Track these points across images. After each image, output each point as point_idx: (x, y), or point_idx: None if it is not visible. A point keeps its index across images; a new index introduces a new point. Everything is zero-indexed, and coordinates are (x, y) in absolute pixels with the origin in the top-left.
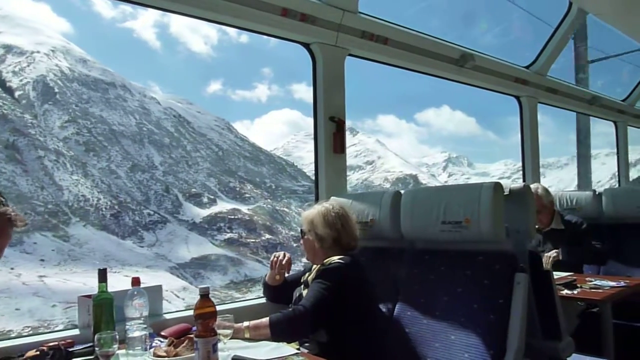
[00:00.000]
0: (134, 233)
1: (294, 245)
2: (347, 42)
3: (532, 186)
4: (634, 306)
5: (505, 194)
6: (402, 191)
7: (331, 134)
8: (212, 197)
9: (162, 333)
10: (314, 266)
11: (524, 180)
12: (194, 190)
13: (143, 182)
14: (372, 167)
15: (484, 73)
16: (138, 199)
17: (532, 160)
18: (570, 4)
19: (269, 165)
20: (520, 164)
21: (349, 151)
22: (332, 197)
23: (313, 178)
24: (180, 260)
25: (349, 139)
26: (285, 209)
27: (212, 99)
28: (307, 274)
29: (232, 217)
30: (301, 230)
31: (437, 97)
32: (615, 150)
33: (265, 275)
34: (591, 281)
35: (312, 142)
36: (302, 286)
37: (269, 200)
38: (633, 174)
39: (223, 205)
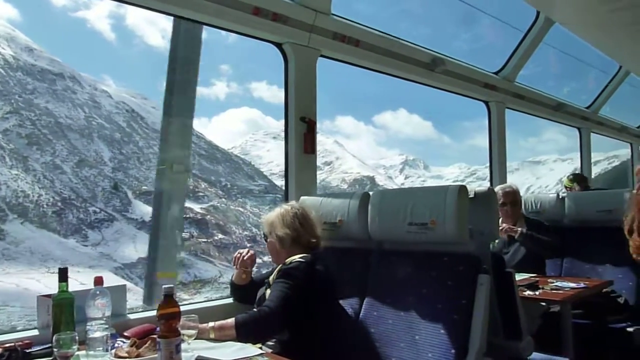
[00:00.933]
0: (78, 231)
1: (248, 245)
2: (320, 43)
3: (507, 184)
4: (593, 306)
5: (470, 196)
6: (371, 192)
7: (302, 134)
8: None
9: (125, 333)
10: (279, 266)
11: (491, 183)
12: (144, 187)
13: (90, 178)
14: (330, 167)
15: (454, 78)
16: (84, 195)
17: (499, 163)
18: (538, 12)
19: (225, 163)
20: (473, 167)
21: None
22: (301, 198)
23: (270, 177)
24: (126, 260)
25: None
26: (240, 209)
27: None
28: (272, 274)
29: (185, 215)
30: (264, 233)
31: (395, 100)
32: (563, 157)
33: (233, 276)
34: (552, 282)
35: (271, 141)
36: (265, 287)
37: (223, 199)
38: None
39: None
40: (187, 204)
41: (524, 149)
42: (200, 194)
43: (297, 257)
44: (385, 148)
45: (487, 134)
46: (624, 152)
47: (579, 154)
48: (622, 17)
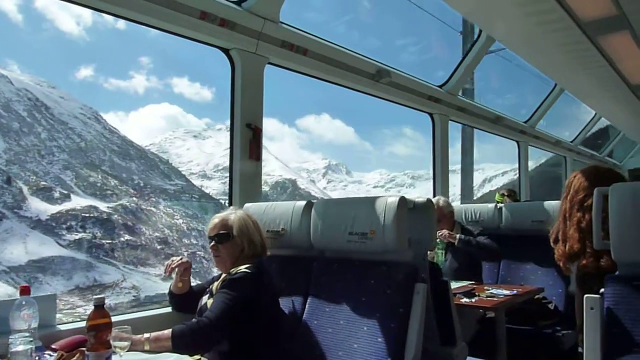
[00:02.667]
0: None
1: (158, 247)
2: (267, 51)
3: (434, 198)
4: (526, 312)
5: (409, 207)
6: (314, 201)
7: (247, 140)
8: (65, 192)
9: (53, 346)
10: (223, 275)
11: (434, 193)
12: (43, 183)
13: None
14: None
15: (399, 89)
16: None
17: (442, 174)
18: (480, 30)
19: (139, 161)
20: (392, 174)
21: (229, 152)
22: (245, 205)
23: (189, 177)
24: (12, 263)
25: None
26: (153, 209)
27: (82, 85)
28: (214, 283)
29: (87, 215)
30: (215, 235)
31: (318, 105)
32: (475, 167)
33: (171, 284)
34: (488, 290)
35: (192, 139)
36: (207, 295)
37: (134, 198)
38: (486, 189)
39: (78, 202)
40: (92, 202)
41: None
42: (109, 192)
43: (242, 268)
44: (308, 152)
45: (413, 142)
46: (529, 163)
47: (489, 164)
48: (556, 38)
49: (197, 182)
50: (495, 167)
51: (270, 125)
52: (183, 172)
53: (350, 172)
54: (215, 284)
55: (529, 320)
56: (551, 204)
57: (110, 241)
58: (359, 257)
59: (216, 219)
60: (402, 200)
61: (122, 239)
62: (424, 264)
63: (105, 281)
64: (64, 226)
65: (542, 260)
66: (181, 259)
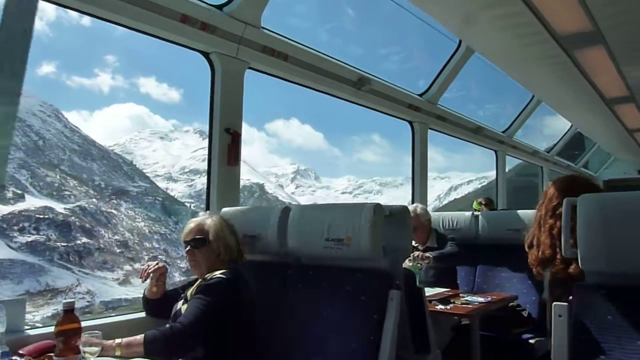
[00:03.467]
0: None
1: (117, 251)
2: (248, 55)
3: (411, 206)
4: (500, 319)
5: (385, 214)
6: (291, 207)
7: (226, 145)
8: (19, 192)
9: (20, 351)
10: (198, 280)
11: (412, 199)
12: None
13: None
14: None
15: (379, 97)
16: None
17: (420, 181)
18: (460, 41)
19: (101, 161)
20: (361, 180)
21: (197, 155)
22: (223, 209)
23: (153, 179)
24: None
25: (199, 142)
26: (113, 211)
27: (43, 82)
28: (189, 287)
29: (42, 216)
30: (191, 240)
31: (287, 109)
32: (441, 175)
33: (145, 289)
34: (463, 297)
35: (158, 141)
36: (182, 301)
37: (94, 199)
38: (452, 197)
39: (32, 202)
40: (48, 203)
41: (407, 166)
42: (67, 192)
43: (217, 273)
44: (277, 156)
45: (382, 149)
46: (491, 173)
47: (455, 173)
48: (533, 51)
49: (162, 184)
50: (462, 175)
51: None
52: (148, 174)
53: (319, 177)
54: (191, 289)
55: (503, 328)
56: (526, 213)
57: (65, 244)
58: (335, 264)
59: (192, 223)
60: (379, 207)
61: (78, 242)
62: (398, 271)
63: (58, 286)
64: (15, 228)
65: (517, 268)
66: (157, 264)
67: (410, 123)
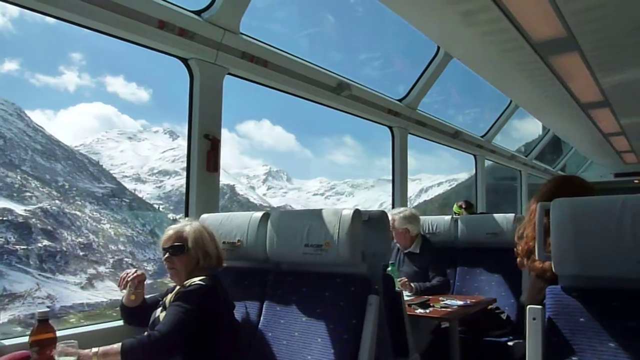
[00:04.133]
0: None
1: (80, 254)
2: (227, 61)
3: (392, 212)
4: (479, 322)
5: (364, 219)
6: (271, 212)
7: (205, 152)
8: None
9: None
10: (176, 287)
11: (393, 204)
12: None
13: None
14: None
15: (359, 102)
16: None
17: (400, 186)
18: (438, 47)
19: (66, 162)
20: (333, 182)
21: (167, 156)
22: (202, 215)
23: (121, 180)
24: None
25: (169, 143)
26: (78, 213)
27: (5, 80)
28: (168, 295)
29: (0, 218)
30: (169, 247)
31: (258, 110)
32: (412, 177)
33: (123, 297)
34: (443, 300)
35: (126, 141)
36: (160, 308)
37: (57, 201)
38: (422, 198)
39: None
40: (7, 205)
41: (378, 168)
42: (28, 194)
43: (196, 280)
44: (249, 157)
45: (353, 151)
46: (461, 175)
47: (425, 175)
48: (510, 57)
49: (130, 185)
50: (432, 177)
51: None
52: (115, 175)
53: (291, 179)
54: (169, 296)
55: (482, 331)
56: (505, 217)
57: (25, 247)
58: (314, 270)
59: (171, 230)
60: (357, 213)
61: (39, 244)
62: (377, 276)
63: (16, 290)
64: None
65: (496, 272)
66: (136, 271)
67: (390, 128)
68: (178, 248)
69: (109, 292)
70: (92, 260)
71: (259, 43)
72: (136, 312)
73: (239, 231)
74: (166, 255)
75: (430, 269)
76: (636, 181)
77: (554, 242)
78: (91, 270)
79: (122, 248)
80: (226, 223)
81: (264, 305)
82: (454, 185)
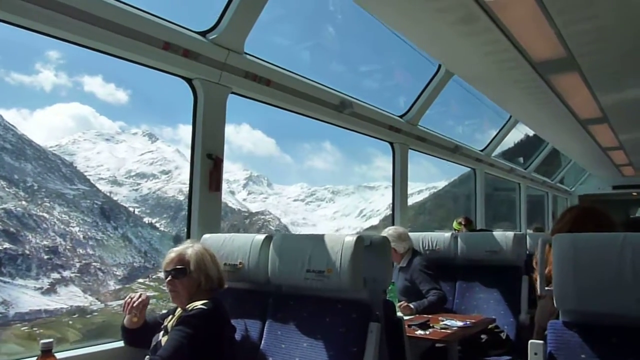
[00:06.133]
0: None
1: (45, 257)
2: (231, 81)
3: (392, 227)
4: (479, 341)
5: (365, 244)
6: (273, 235)
7: (207, 171)
8: None
9: None
10: (178, 310)
11: (392, 221)
12: None
13: None
14: (167, 177)
15: (360, 120)
16: None
17: (401, 203)
18: (440, 65)
19: (37, 162)
20: (313, 188)
21: (144, 158)
22: (204, 236)
23: (96, 182)
24: None
25: (147, 145)
26: (45, 214)
27: None
28: (169, 318)
29: None
30: (172, 270)
31: (237, 114)
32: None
33: (124, 319)
34: (442, 320)
35: (103, 143)
36: (162, 332)
37: (23, 202)
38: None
39: None
40: None
41: (357, 175)
42: None
43: (198, 304)
44: (229, 162)
45: (332, 157)
46: (440, 183)
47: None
48: (511, 75)
49: (105, 187)
50: (413, 185)
51: (188, 132)
52: (90, 177)
53: (271, 184)
54: (171, 319)
55: (481, 350)
56: (504, 235)
57: None
58: (315, 294)
59: (173, 253)
60: (359, 239)
61: None
62: (378, 302)
63: None
64: None
65: (495, 289)
66: (140, 295)
67: (391, 144)
68: (180, 271)
69: (72, 297)
70: (57, 264)
71: (262, 62)
72: (137, 333)
73: (241, 253)
74: (168, 278)
75: (422, 284)
76: (635, 194)
77: (555, 277)
78: (55, 275)
79: (91, 252)
80: (228, 244)
81: (265, 329)
82: (433, 191)
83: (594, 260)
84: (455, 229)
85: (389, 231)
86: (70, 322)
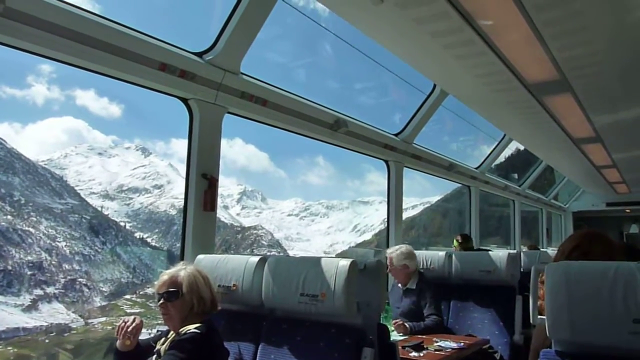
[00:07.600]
0: None
1: (28, 273)
2: (227, 101)
3: (388, 250)
4: None
5: (360, 268)
6: (267, 257)
7: (202, 191)
8: None
9: None
10: (171, 333)
11: (387, 241)
12: None
13: None
14: (160, 191)
15: (356, 138)
16: None
17: (396, 221)
18: (435, 85)
19: (26, 175)
20: (307, 202)
21: (137, 172)
22: (198, 256)
23: (86, 197)
24: None
25: (140, 159)
26: (31, 229)
27: None
28: (162, 341)
29: None
30: (164, 293)
31: (230, 129)
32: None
33: (117, 342)
34: (436, 342)
35: (96, 157)
36: (155, 356)
37: (8, 216)
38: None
39: None
40: None
41: (351, 190)
42: None
43: (192, 328)
44: (223, 176)
45: (326, 172)
46: (433, 198)
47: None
48: (505, 97)
49: (97, 202)
50: (407, 200)
51: (181, 146)
52: (81, 191)
53: (265, 199)
54: (164, 344)
55: None
56: (498, 255)
57: None
58: (309, 318)
59: (165, 275)
60: (353, 264)
61: None
62: (372, 327)
63: None
64: None
65: (489, 309)
66: (134, 319)
67: (386, 162)
68: (172, 294)
69: (54, 314)
70: (41, 280)
71: (258, 82)
72: (130, 356)
73: (235, 275)
74: (161, 301)
75: (426, 307)
76: (628, 210)
77: (547, 306)
78: (38, 291)
79: (77, 267)
80: (222, 266)
81: (259, 353)
82: (427, 205)
83: (586, 290)
84: (455, 247)
85: (401, 248)
86: (47, 341)
